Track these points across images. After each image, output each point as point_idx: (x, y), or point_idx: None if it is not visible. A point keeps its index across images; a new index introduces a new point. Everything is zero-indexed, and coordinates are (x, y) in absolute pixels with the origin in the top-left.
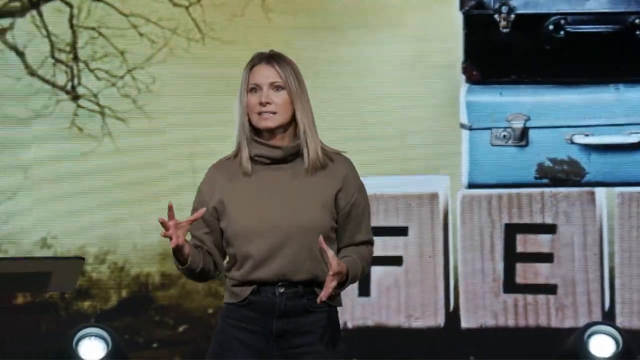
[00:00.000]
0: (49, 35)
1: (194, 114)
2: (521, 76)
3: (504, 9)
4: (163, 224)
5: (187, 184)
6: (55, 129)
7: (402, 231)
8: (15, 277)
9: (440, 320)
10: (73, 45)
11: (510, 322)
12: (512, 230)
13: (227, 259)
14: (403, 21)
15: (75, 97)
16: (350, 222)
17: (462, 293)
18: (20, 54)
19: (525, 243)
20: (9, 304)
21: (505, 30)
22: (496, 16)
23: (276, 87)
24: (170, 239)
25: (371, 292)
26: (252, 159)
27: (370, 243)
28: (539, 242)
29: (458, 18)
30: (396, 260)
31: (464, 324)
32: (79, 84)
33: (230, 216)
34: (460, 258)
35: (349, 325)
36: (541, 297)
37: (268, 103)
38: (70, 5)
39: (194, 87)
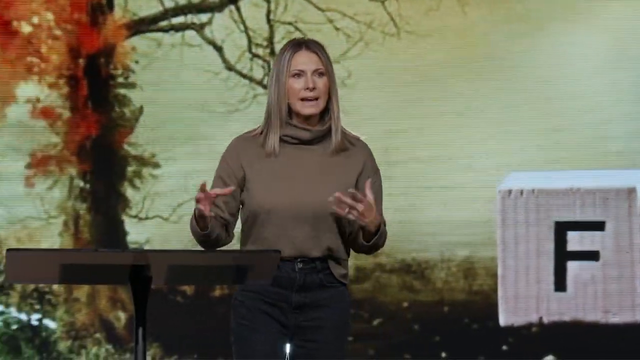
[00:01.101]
0: (246, 30)
1: (389, 108)
2: None
3: None
4: (203, 190)
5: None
6: (252, 123)
7: (598, 226)
8: (213, 270)
9: (638, 316)
10: (270, 40)
11: None
12: None
13: (245, 233)
14: (600, 12)
15: None
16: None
17: None
18: (218, 49)
19: None
20: (207, 296)
21: None
22: None
23: (319, 73)
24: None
25: (567, 287)
26: (281, 139)
27: (384, 223)
28: None
29: None
30: (593, 255)
31: None
32: None
33: (254, 192)
34: None
35: (545, 320)
36: None
37: (314, 88)
38: (267, 0)
39: (388, 80)
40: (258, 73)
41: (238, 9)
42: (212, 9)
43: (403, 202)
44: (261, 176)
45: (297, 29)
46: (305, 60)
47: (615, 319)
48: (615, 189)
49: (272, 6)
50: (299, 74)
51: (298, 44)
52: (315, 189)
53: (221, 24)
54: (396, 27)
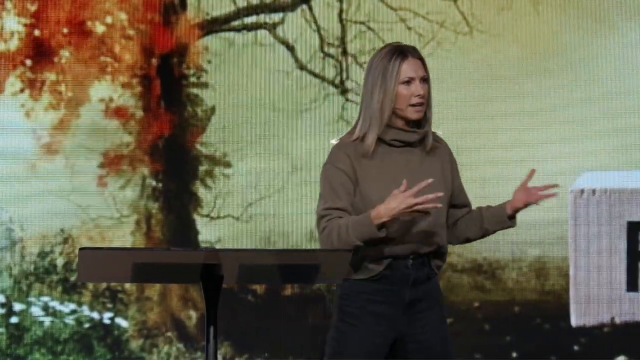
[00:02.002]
0: (318, 29)
1: (462, 108)
2: None
3: None
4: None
5: None
6: (324, 122)
7: None
8: (284, 269)
9: None
10: (342, 39)
11: None
12: None
13: None
14: None
15: (344, 91)
16: (461, 192)
17: None
18: (291, 48)
19: None
20: (278, 295)
21: None
22: None
23: (424, 80)
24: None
25: None
26: (384, 142)
27: None
28: None
29: None
30: None
31: None
32: (348, 77)
33: (367, 195)
34: None
35: (617, 320)
36: None
37: (423, 95)
38: (340, 0)
39: (461, 80)
40: (330, 72)
41: (310, 9)
42: (284, 8)
43: (473, 202)
44: (372, 178)
45: (369, 28)
46: (414, 68)
47: None
48: None
49: (345, 5)
50: (408, 81)
51: (403, 52)
52: (428, 188)
53: (293, 23)
54: (468, 26)
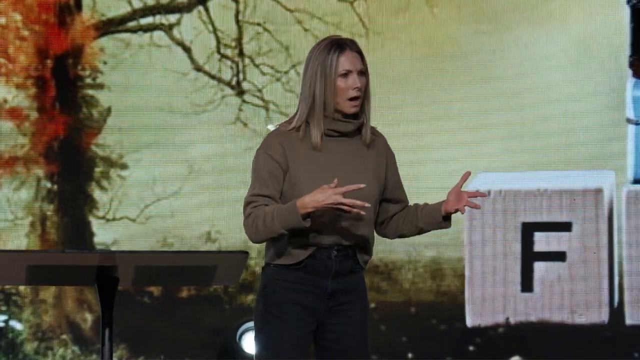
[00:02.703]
0: (215, 30)
1: None
2: None
3: None
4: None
5: None
6: (220, 124)
7: (565, 226)
8: (180, 271)
9: (604, 316)
10: (239, 41)
11: None
12: None
13: None
14: (567, 15)
15: (240, 92)
16: (397, 187)
17: (627, 289)
18: (187, 50)
19: None
20: (173, 297)
21: None
22: None
23: (361, 73)
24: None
25: (534, 287)
26: (324, 133)
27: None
28: None
29: (625, 12)
30: (559, 256)
31: (629, 320)
32: (244, 79)
33: (297, 183)
34: (625, 254)
35: (511, 320)
36: None
37: (360, 88)
38: (236, 1)
39: None
40: (227, 74)
41: (207, 10)
42: (180, 9)
43: None
44: (307, 169)
45: (265, 29)
46: (352, 61)
47: (581, 319)
48: (582, 190)
49: (241, 7)
50: (346, 74)
51: (341, 45)
52: (357, 180)
53: (190, 24)
54: (365, 27)
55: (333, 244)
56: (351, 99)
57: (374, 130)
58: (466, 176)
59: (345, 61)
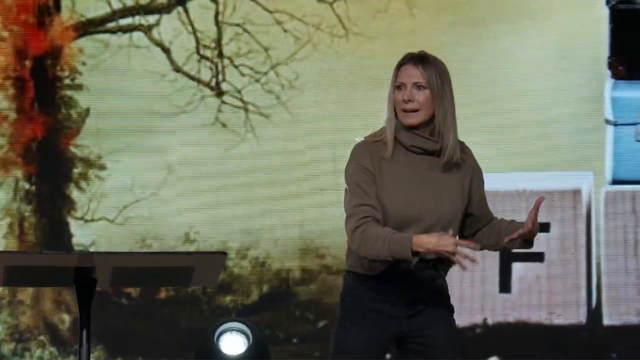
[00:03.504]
0: (194, 31)
1: (337, 110)
2: None
3: None
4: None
5: (328, 176)
6: (200, 124)
7: (544, 227)
8: (158, 272)
9: (582, 317)
10: (218, 42)
11: None
12: None
13: None
14: (548, 16)
15: (220, 93)
16: (481, 202)
17: (605, 290)
18: (166, 51)
19: None
20: (152, 298)
21: None
22: None
23: (419, 86)
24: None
25: (512, 288)
26: (406, 148)
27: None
28: None
29: (604, 13)
30: (537, 257)
31: (606, 321)
32: (224, 80)
33: (384, 197)
34: (603, 254)
35: (489, 321)
36: None
37: (410, 101)
38: (215, 2)
39: (336, 82)
40: (206, 75)
41: (186, 11)
42: (160, 10)
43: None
44: (390, 181)
45: (245, 30)
46: (407, 74)
47: (559, 319)
48: (560, 190)
49: (221, 8)
50: (400, 87)
51: (407, 58)
52: (437, 201)
53: (169, 25)
54: (344, 29)
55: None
56: (404, 111)
57: (463, 148)
58: (540, 202)
59: (401, 74)
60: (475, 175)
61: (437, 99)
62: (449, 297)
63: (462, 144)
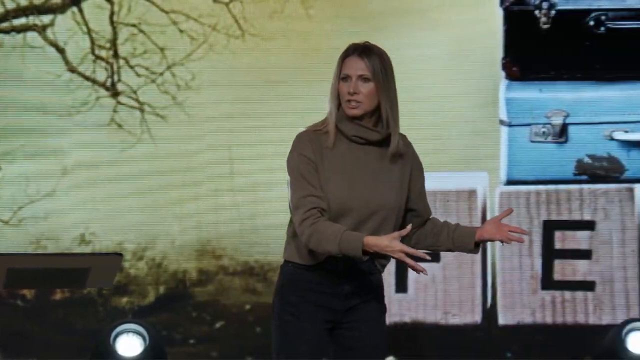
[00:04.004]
0: (89, 31)
1: (233, 110)
2: (561, 72)
3: (545, 4)
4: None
5: (224, 177)
6: (95, 125)
7: None
8: (53, 273)
9: (477, 317)
10: (113, 42)
11: (548, 319)
12: (550, 227)
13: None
14: (443, 18)
15: (115, 94)
16: (419, 198)
17: (500, 290)
18: (61, 51)
19: (563, 240)
20: (47, 300)
21: (545, 27)
22: (536, 12)
23: (364, 79)
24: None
25: (408, 288)
26: (348, 138)
27: None
28: (577, 239)
29: (498, 14)
30: (433, 257)
31: (502, 320)
32: (119, 80)
33: (324, 185)
34: (498, 254)
35: (386, 321)
36: (579, 294)
37: (355, 93)
38: (111, 2)
39: (233, 83)
40: (101, 75)
41: (81, 11)
42: (54, 10)
43: (246, 202)
44: (331, 172)
45: (140, 30)
46: (352, 66)
47: (454, 319)
48: (455, 190)
49: (116, 8)
50: (345, 78)
51: (352, 49)
52: (378, 191)
53: (64, 25)
54: (240, 29)
55: None
56: (347, 102)
57: (405, 140)
58: (508, 212)
59: (346, 66)
60: (415, 167)
61: (382, 91)
62: (383, 297)
63: (403, 136)
